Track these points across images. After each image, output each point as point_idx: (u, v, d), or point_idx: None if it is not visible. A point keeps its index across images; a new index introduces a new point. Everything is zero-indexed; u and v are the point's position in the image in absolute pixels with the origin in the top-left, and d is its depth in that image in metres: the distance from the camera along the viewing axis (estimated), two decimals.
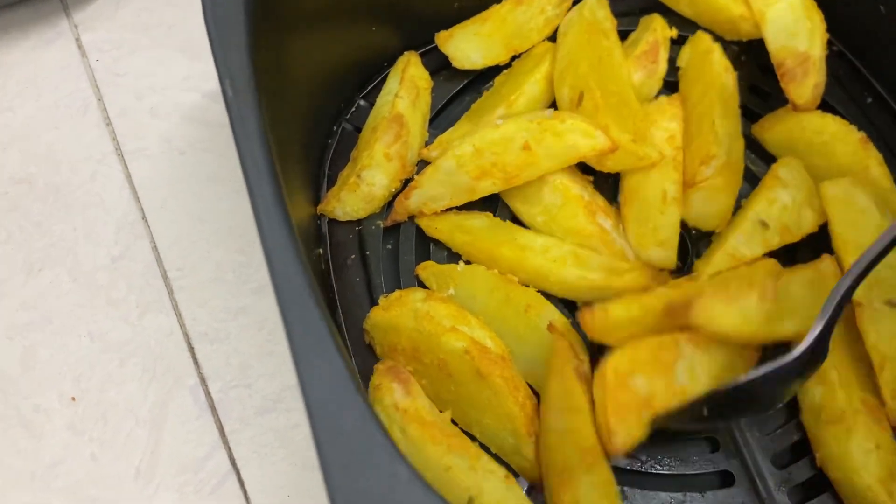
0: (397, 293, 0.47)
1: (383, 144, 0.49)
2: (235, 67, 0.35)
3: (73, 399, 0.50)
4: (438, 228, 0.50)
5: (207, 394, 0.50)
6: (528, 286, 0.47)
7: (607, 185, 0.51)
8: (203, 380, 0.50)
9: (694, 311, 0.40)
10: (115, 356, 0.51)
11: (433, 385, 0.44)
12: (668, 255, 0.48)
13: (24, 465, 0.48)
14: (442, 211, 0.50)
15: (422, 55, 0.56)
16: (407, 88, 0.52)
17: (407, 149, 0.50)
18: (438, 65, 0.55)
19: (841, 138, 0.49)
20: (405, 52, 0.55)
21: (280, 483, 0.48)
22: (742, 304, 0.41)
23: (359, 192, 0.49)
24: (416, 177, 0.49)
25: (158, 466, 0.48)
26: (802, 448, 0.45)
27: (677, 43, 0.55)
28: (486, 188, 0.48)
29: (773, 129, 0.52)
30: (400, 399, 0.41)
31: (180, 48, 0.60)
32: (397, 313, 0.45)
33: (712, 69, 0.51)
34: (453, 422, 0.44)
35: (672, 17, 0.55)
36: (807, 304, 0.42)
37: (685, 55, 0.54)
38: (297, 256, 0.31)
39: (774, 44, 0.51)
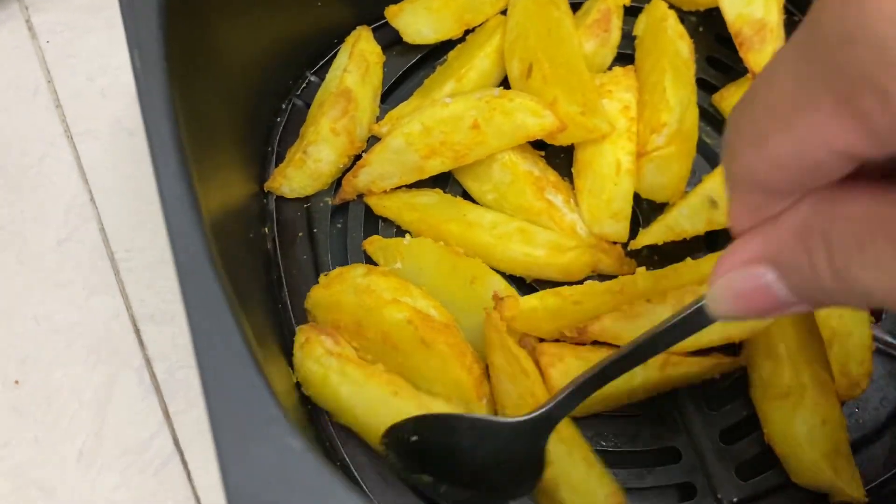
0: (338, 270, 0.46)
1: (330, 119, 0.49)
2: (145, 37, 0.34)
3: (17, 382, 0.49)
4: (387, 206, 0.49)
5: (153, 375, 0.50)
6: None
7: (562, 158, 0.50)
8: (148, 361, 0.50)
9: (589, 332, 0.41)
10: (62, 338, 0.51)
11: (379, 359, 0.44)
12: (620, 227, 0.47)
13: None
14: (391, 189, 0.49)
15: (375, 30, 0.55)
16: (356, 63, 0.51)
17: (355, 124, 0.50)
18: (391, 40, 0.54)
19: None
20: (357, 28, 0.54)
21: None
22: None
23: (305, 169, 0.49)
24: (364, 155, 0.49)
25: (102, 448, 0.48)
26: (749, 425, 0.43)
27: (634, 14, 0.53)
28: (434, 167, 0.48)
29: (733, 99, 0.51)
30: (331, 346, 0.41)
31: None
32: (338, 289, 0.45)
33: (666, 36, 0.50)
34: None
35: None
36: None
37: (641, 24, 0.53)
38: (200, 230, 0.30)
39: (731, 12, 0.50)
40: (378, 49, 0.54)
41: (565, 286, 0.44)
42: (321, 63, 0.55)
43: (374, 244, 0.48)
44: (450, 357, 0.41)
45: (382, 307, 0.42)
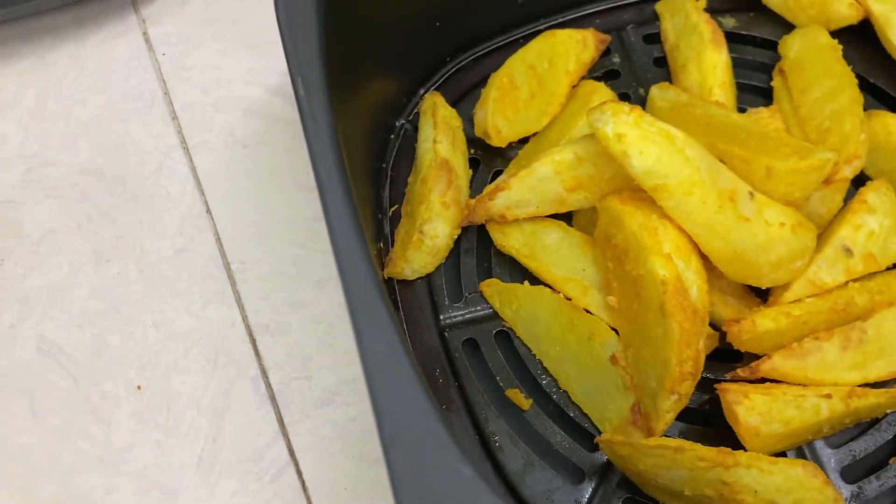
0: (642, 193, 0.44)
1: (438, 194, 0.49)
2: (307, 66, 0.35)
3: (139, 388, 0.51)
4: (507, 240, 0.49)
5: (268, 385, 0.51)
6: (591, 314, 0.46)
7: None
8: (264, 371, 0.52)
9: (761, 370, 0.42)
10: (180, 346, 0.53)
11: (621, 291, 0.44)
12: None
13: (93, 449, 0.50)
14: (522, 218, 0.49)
15: (438, 89, 0.56)
16: (443, 131, 0.51)
17: (459, 192, 0.50)
18: (454, 97, 0.55)
19: None
20: (428, 95, 0.55)
21: (337, 475, 0.49)
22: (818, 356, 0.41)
23: (424, 248, 0.49)
24: (505, 177, 0.48)
25: (220, 455, 0.50)
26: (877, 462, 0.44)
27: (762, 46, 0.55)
28: (576, 201, 0.47)
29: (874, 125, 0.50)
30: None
31: (244, 42, 0.61)
32: (630, 211, 0.43)
33: (842, 66, 0.50)
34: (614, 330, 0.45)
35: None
36: None
37: (793, 45, 0.53)
38: (368, 261, 0.31)
39: None
40: (455, 112, 0.54)
41: (793, 305, 0.43)
42: (430, 84, 0.56)
43: (492, 287, 0.49)
44: (675, 338, 0.40)
45: (653, 254, 0.41)
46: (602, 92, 0.52)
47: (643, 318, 0.42)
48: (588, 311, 0.46)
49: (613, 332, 0.45)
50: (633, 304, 0.43)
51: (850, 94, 0.48)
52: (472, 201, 0.49)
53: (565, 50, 0.53)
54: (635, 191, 0.44)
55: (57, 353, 0.53)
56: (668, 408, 0.41)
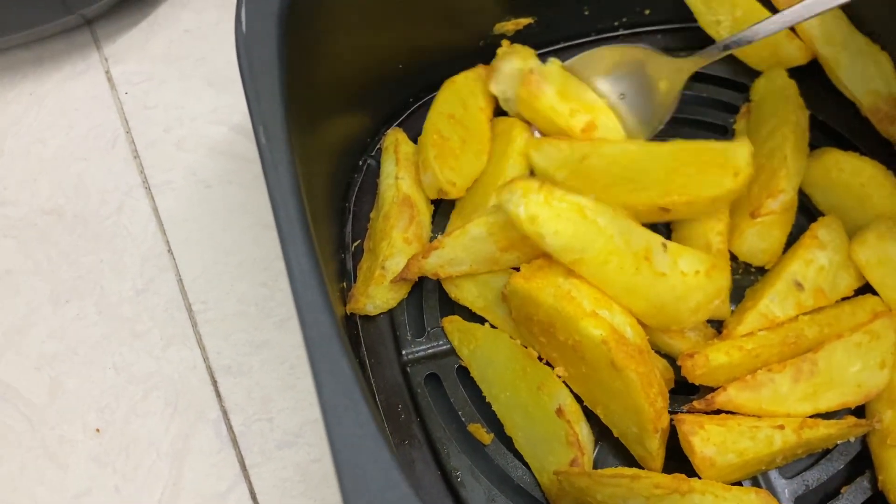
0: (540, 261, 0.46)
1: (400, 230, 0.50)
2: (268, 114, 0.36)
3: (98, 430, 0.51)
4: (461, 293, 0.50)
5: (229, 427, 0.51)
6: (547, 364, 0.47)
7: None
8: (225, 413, 0.51)
9: (716, 402, 0.44)
10: (139, 388, 0.52)
11: (564, 360, 0.45)
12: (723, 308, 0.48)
13: (49, 496, 0.49)
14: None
15: (401, 125, 0.57)
16: (404, 168, 0.53)
17: (421, 228, 0.51)
18: (416, 132, 0.56)
19: (879, 182, 0.50)
20: (390, 131, 0.56)
21: None
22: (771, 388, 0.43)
23: (386, 284, 0.50)
24: (439, 237, 0.49)
25: (180, 500, 0.50)
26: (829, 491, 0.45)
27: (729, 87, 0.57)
28: (509, 261, 0.48)
29: (812, 166, 0.52)
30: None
31: (208, 81, 0.62)
32: (538, 285, 0.44)
33: (788, 105, 0.52)
34: (578, 398, 0.46)
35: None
36: (855, 373, 0.44)
37: (759, 88, 0.55)
38: (329, 312, 0.32)
39: (858, 89, 0.53)
40: (416, 147, 0.55)
41: (745, 338, 0.45)
42: (396, 122, 0.57)
43: (454, 324, 0.50)
44: (636, 386, 0.41)
45: (580, 318, 0.43)
46: (519, 127, 0.53)
47: (597, 377, 0.44)
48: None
49: (563, 385, 0.46)
50: (580, 368, 0.44)
51: (785, 131, 0.50)
52: (409, 259, 0.49)
53: (470, 91, 0.55)
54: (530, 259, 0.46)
55: (13, 396, 0.52)
56: (658, 444, 0.42)
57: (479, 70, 0.56)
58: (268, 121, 0.36)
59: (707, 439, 0.42)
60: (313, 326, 0.32)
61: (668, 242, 0.45)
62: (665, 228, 0.52)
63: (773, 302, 0.47)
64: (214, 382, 0.53)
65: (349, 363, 0.32)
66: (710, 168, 0.48)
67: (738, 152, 0.47)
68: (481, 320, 0.50)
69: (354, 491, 0.30)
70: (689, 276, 0.44)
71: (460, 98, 0.55)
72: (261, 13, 0.37)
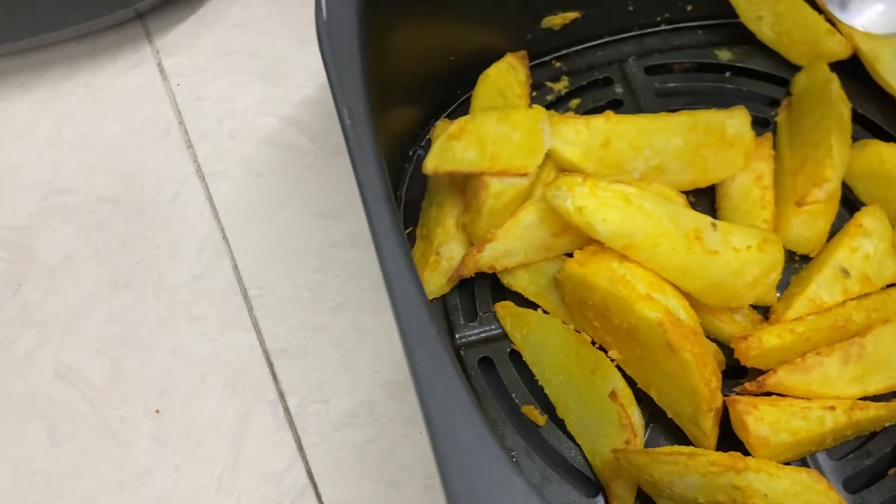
0: (594, 247, 0.47)
1: (454, 217, 0.51)
2: (352, 98, 0.37)
3: (158, 412, 0.52)
4: (513, 279, 0.51)
5: (286, 408, 0.52)
6: (600, 349, 0.48)
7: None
8: (282, 395, 0.53)
9: (767, 385, 0.45)
10: (197, 371, 0.53)
11: (618, 343, 0.46)
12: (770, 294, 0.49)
13: (112, 474, 0.50)
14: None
15: (449, 116, 0.58)
16: None
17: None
18: None
19: None
20: (439, 122, 0.56)
21: (356, 497, 0.51)
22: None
23: (441, 269, 0.51)
24: (492, 230, 0.49)
25: (239, 479, 0.51)
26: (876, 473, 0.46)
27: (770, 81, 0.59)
28: (563, 246, 0.49)
29: (854, 158, 0.54)
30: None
31: (258, 74, 0.63)
32: (593, 271, 0.45)
33: (830, 98, 0.53)
34: (630, 382, 0.46)
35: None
36: None
37: (800, 82, 0.57)
38: (416, 282, 0.33)
39: None
40: None
41: (796, 321, 0.46)
42: (444, 114, 0.58)
43: (506, 309, 0.51)
44: (692, 366, 0.43)
45: (635, 301, 0.44)
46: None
47: (652, 359, 0.45)
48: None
49: (617, 371, 0.47)
50: (635, 350, 0.46)
51: (829, 123, 0.52)
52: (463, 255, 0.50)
53: (505, 82, 0.56)
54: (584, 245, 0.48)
55: (75, 377, 0.53)
56: (712, 424, 0.44)
57: (510, 59, 0.57)
58: (351, 103, 0.37)
59: (761, 419, 0.43)
60: (403, 296, 0.33)
61: (717, 221, 0.47)
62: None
63: (820, 288, 0.48)
64: (271, 365, 0.54)
65: (436, 330, 0.33)
66: (722, 145, 0.51)
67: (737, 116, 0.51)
68: (533, 306, 0.51)
69: (448, 450, 0.31)
70: (742, 252, 0.46)
71: (498, 89, 0.56)
72: (340, 1, 0.39)
